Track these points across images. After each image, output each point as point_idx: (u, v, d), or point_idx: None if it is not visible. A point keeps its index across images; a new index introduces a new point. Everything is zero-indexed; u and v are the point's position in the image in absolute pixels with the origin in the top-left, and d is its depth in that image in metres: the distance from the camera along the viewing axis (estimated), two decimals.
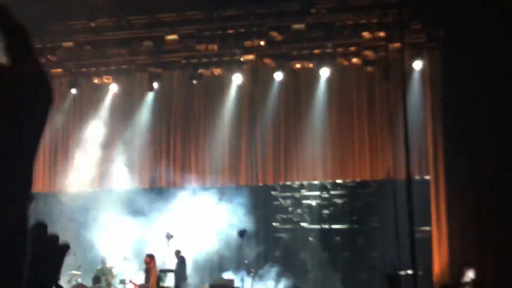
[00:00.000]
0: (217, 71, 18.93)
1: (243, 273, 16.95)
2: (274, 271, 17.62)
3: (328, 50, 17.83)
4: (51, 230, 1.54)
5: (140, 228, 18.42)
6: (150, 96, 19.84)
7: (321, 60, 18.02)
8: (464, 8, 15.57)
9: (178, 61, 19.15)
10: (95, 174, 20.06)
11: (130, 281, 17.00)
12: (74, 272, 17.09)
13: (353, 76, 18.29)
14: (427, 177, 17.12)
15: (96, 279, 17.57)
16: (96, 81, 19.91)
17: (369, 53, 17.56)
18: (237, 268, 17.67)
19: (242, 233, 17.50)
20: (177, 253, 17.28)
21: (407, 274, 15.34)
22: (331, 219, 18.49)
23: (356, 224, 18.25)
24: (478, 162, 15.74)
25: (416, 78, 17.50)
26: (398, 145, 17.03)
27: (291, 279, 17.15)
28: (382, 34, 17.09)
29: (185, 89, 19.62)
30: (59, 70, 19.82)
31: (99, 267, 17.87)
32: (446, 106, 16.47)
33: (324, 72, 18.11)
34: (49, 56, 19.21)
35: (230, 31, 18.07)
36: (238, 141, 19.23)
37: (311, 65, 18.21)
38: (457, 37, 15.98)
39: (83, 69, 19.84)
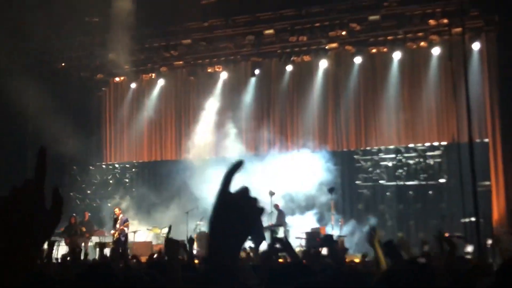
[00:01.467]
0: (306, 58, 19.07)
1: (333, 222, 17.23)
2: (357, 221, 17.75)
3: (400, 37, 17.82)
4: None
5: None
6: (252, 80, 20.24)
7: (393, 45, 18.03)
8: None
9: (274, 51, 19.36)
10: (212, 144, 20.60)
11: None
12: (198, 222, 17.83)
13: (421, 58, 18.29)
14: (486, 140, 17.00)
15: None
16: (209, 70, 20.32)
17: (434, 37, 17.51)
18: (327, 219, 17.84)
19: (331, 190, 17.95)
20: (276, 206, 17.61)
21: (470, 221, 15.32)
22: (405, 177, 18.27)
23: (426, 181, 17.92)
24: None
25: (475, 57, 17.35)
26: (461, 114, 16.96)
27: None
28: (445, 21, 16.96)
29: (281, 73, 19.90)
30: (180, 62, 20.53)
31: None
32: (501, 79, 16.23)
33: (396, 55, 18.20)
34: (172, 52, 19.96)
35: (316, 24, 18.19)
36: (325, 114, 19.45)
37: (385, 50, 18.25)
38: (510, 21, 15.70)
39: (199, 61, 20.32)
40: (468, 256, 12.57)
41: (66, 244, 17.23)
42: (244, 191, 1.49)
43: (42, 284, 3.60)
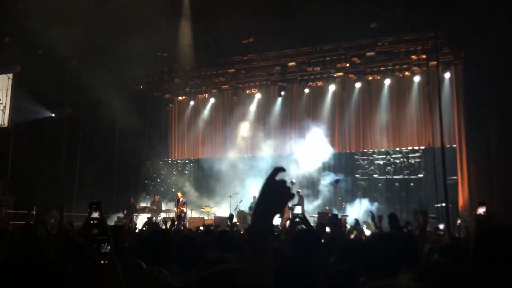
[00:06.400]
0: (319, 83, 19.07)
1: (338, 206, 17.52)
2: (358, 203, 17.75)
3: (390, 68, 17.57)
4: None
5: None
6: (279, 99, 20.30)
7: (385, 74, 17.80)
8: (478, 36, 14.98)
9: (296, 78, 19.35)
10: (248, 146, 20.76)
11: None
12: (238, 203, 17.83)
13: (405, 83, 18.21)
14: (454, 145, 16.88)
15: (252, 208, 18.38)
16: (247, 92, 20.56)
17: (416, 68, 17.41)
18: (334, 204, 17.95)
19: (336, 182, 18.08)
20: (297, 192, 17.33)
21: (442, 206, 15.31)
22: (393, 172, 18.17)
23: (409, 175, 17.86)
24: (488, 134, 15.14)
25: (446, 83, 17.29)
26: (435, 125, 16.88)
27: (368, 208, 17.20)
28: (424, 56, 16.85)
29: (300, 94, 19.90)
30: (226, 86, 20.70)
31: (252, 201, 18.69)
32: (466, 100, 16.07)
33: (387, 82, 18.02)
34: (220, 78, 20.01)
35: (327, 58, 18.13)
36: (333, 124, 19.40)
37: (378, 77, 18.03)
38: (474, 55, 15.39)
39: (240, 85, 20.53)
40: (441, 232, 12.71)
41: (126, 219, 17.29)
42: (283, 181, 1.62)
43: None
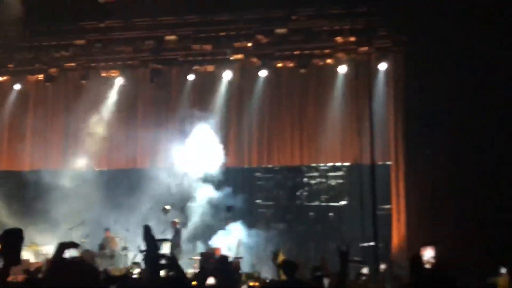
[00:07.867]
0: (210, 68, 18.95)
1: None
2: (258, 240, 17.42)
3: (306, 52, 17.86)
4: None
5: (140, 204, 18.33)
6: (151, 88, 19.81)
7: (299, 61, 18.01)
8: (425, 17, 15.50)
9: (176, 59, 19.08)
10: (100, 154, 20.16)
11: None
12: (83, 240, 16.98)
13: (327, 75, 18.32)
14: (388, 162, 17.04)
15: (102, 246, 17.62)
16: (104, 74, 19.83)
17: (341, 55, 17.63)
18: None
19: (229, 208, 17.62)
20: (173, 224, 17.19)
21: (370, 245, 15.37)
22: (306, 198, 18.26)
23: (327, 202, 18.01)
24: (435, 148, 15.55)
25: (381, 77, 17.53)
26: (364, 134, 17.18)
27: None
28: (352, 39, 17.11)
29: (182, 83, 19.61)
30: (72, 64, 19.85)
31: (104, 236, 17.86)
32: (407, 100, 16.39)
33: (302, 71, 18.11)
34: (63, 52, 19.34)
35: (222, 33, 18.11)
36: (228, 128, 19.22)
37: (291, 65, 18.26)
38: (418, 42, 15.81)
39: (93, 64, 19.76)
40: (363, 277, 12.57)
41: None
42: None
43: None
